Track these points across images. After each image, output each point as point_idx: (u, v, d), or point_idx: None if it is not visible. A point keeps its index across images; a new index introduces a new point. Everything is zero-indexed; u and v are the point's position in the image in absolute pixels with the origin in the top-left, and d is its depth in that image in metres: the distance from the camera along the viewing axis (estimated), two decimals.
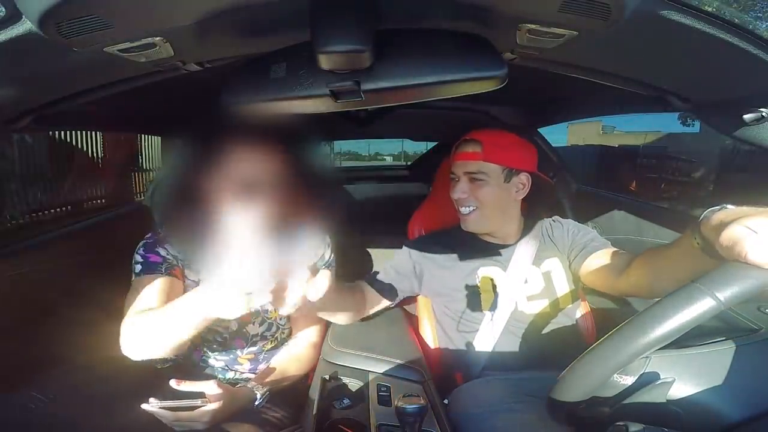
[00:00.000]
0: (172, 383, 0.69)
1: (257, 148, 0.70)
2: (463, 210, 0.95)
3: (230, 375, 0.90)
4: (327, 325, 0.99)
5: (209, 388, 0.70)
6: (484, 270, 0.95)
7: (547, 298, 0.93)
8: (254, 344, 0.91)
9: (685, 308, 0.40)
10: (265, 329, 0.91)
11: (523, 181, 0.95)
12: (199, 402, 0.68)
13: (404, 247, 1.04)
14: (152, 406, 0.65)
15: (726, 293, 0.39)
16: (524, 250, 0.96)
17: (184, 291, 0.86)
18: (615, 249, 0.89)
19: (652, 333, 0.42)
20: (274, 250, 0.65)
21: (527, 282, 0.93)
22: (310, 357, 0.92)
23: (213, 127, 0.73)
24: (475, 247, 0.98)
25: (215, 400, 0.69)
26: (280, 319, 0.93)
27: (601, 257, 0.87)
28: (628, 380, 0.54)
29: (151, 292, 0.78)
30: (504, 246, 0.98)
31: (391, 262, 1.04)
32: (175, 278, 0.83)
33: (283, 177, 0.71)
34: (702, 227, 0.51)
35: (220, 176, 0.69)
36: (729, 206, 0.50)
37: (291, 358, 0.91)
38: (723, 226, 0.45)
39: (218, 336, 0.90)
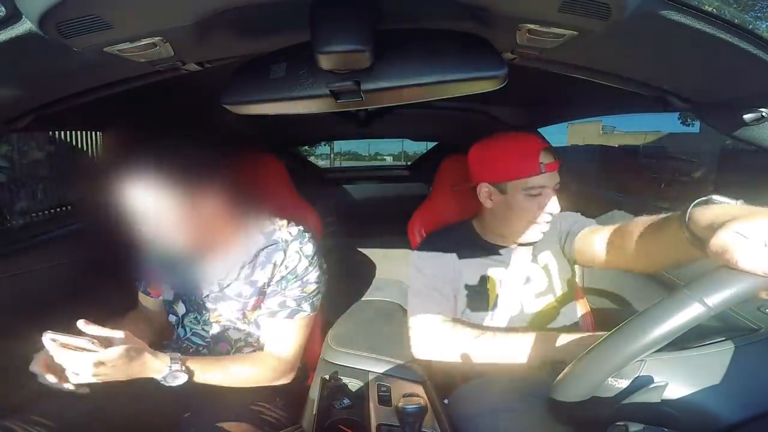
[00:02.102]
0: (80, 323, 0.64)
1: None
2: (547, 224, 0.91)
3: None
4: (312, 337, 0.95)
5: (118, 336, 0.66)
6: (489, 270, 0.95)
7: (551, 294, 0.94)
8: (239, 350, 0.88)
9: (675, 314, 0.42)
10: (246, 335, 0.88)
11: None
12: (91, 346, 0.63)
13: (425, 258, 0.97)
14: (46, 338, 0.62)
15: (715, 300, 0.40)
16: (524, 248, 0.96)
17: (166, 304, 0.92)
18: (598, 226, 0.91)
19: (642, 339, 0.43)
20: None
21: (530, 280, 0.94)
22: (273, 369, 0.82)
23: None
24: (478, 246, 0.98)
25: (110, 354, 0.62)
26: (254, 331, 0.87)
27: (588, 236, 0.88)
28: (623, 383, 0.54)
29: (139, 300, 0.95)
30: (505, 246, 0.98)
31: (426, 281, 0.94)
32: (149, 297, 0.93)
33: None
34: (691, 224, 0.50)
35: None
36: (715, 197, 0.49)
37: (244, 365, 0.82)
38: (713, 228, 0.44)
39: (201, 340, 0.89)
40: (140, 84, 0.63)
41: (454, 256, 0.96)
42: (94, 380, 0.64)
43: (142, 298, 0.96)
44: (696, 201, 0.51)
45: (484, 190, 0.93)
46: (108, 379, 0.65)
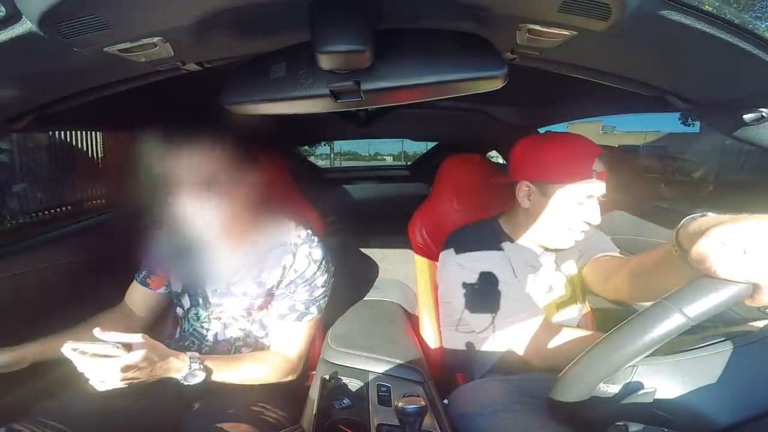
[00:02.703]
0: (96, 332, 0.63)
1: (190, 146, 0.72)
2: (582, 233, 0.84)
3: None
4: (316, 337, 0.96)
5: (137, 340, 0.65)
6: (522, 274, 0.90)
7: (574, 305, 0.93)
8: (238, 350, 0.88)
9: (656, 326, 0.43)
10: (245, 335, 0.89)
11: None
12: (115, 351, 0.62)
13: (462, 254, 0.91)
14: (67, 348, 0.61)
15: (694, 310, 0.41)
16: (550, 255, 0.94)
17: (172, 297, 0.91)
18: (616, 255, 0.88)
19: (623, 350, 0.45)
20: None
21: (552, 288, 0.92)
22: (280, 368, 0.84)
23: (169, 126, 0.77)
24: (509, 247, 0.92)
25: (136, 356, 0.63)
26: (256, 330, 0.89)
27: (601, 261, 0.86)
28: (614, 388, 0.54)
29: (128, 294, 0.93)
30: (534, 250, 0.93)
31: (475, 276, 0.89)
32: (146, 288, 0.92)
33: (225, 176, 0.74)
34: (680, 237, 0.49)
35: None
36: (710, 214, 0.48)
37: (254, 363, 0.83)
38: (696, 237, 0.43)
39: (201, 337, 0.89)
40: (140, 84, 0.63)
41: (489, 253, 0.90)
42: (121, 385, 0.63)
43: (134, 290, 0.93)
44: (688, 216, 0.50)
45: (523, 188, 0.86)
46: (134, 382, 0.65)
